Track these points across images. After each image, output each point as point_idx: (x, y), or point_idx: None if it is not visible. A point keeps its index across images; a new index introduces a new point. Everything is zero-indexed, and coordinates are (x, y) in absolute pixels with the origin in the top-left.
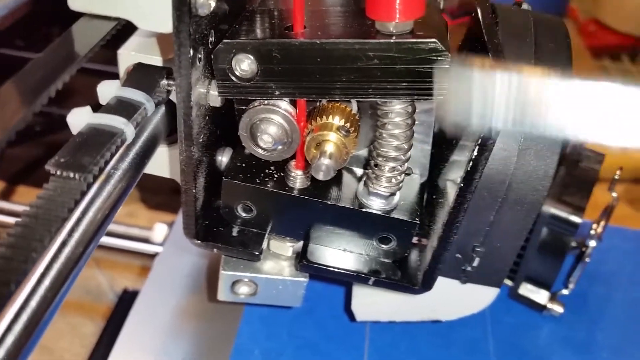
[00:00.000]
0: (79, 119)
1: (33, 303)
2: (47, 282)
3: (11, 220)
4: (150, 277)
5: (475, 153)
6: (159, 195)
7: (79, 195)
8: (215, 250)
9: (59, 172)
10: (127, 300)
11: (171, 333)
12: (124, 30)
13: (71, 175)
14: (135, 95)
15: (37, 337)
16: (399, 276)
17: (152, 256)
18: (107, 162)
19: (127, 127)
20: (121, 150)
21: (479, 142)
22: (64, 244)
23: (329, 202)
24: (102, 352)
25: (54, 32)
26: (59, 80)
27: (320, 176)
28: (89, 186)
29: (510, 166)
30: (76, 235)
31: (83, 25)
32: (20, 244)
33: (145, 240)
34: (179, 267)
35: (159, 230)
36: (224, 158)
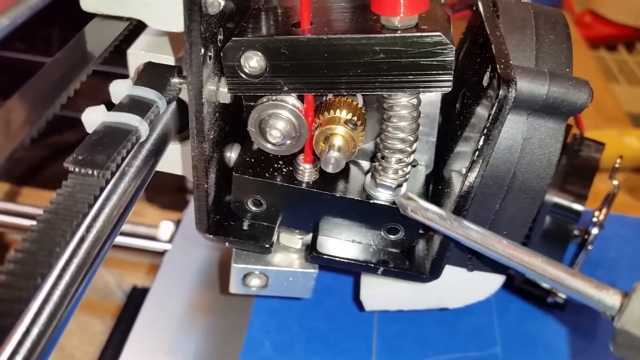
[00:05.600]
0: (93, 117)
1: (55, 297)
2: (67, 277)
3: (17, 221)
4: (160, 273)
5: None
6: (166, 194)
7: (98, 191)
8: (226, 243)
9: (77, 170)
10: (136, 297)
11: (183, 327)
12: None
13: (89, 172)
14: (147, 93)
15: (58, 333)
16: (407, 265)
17: (158, 254)
18: (122, 159)
19: (141, 125)
20: (134, 148)
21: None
22: (82, 240)
23: (337, 195)
24: (113, 348)
25: (54, 34)
26: (76, 81)
27: (330, 169)
28: (107, 182)
29: (515, 155)
30: (94, 231)
31: (95, 26)
32: (43, 238)
33: (152, 238)
34: (189, 263)
35: (165, 228)
36: (232, 154)
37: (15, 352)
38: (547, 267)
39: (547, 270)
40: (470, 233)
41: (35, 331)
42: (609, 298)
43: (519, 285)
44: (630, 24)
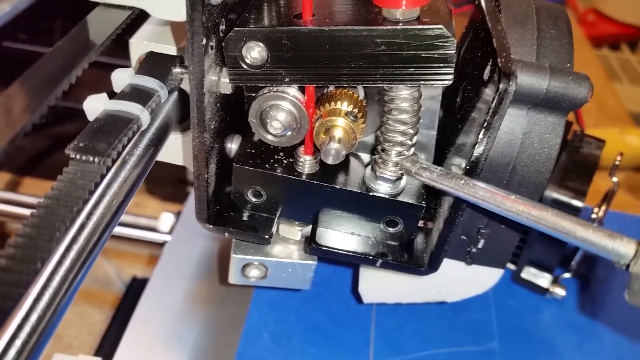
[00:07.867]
0: (95, 105)
1: (54, 282)
2: (67, 263)
3: (18, 210)
4: (160, 263)
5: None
6: (166, 186)
7: (99, 178)
8: (226, 234)
9: (78, 156)
10: (136, 287)
11: (181, 318)
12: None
13: (90, 159)
14: (149, 82)
15: (58, 318)
16: (405, 258)
17: (158, 245)
18: (123, 147)
19: (142, 114)
20: (136, 136)
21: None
22: (82, 226)
23: (337, 187)
24: (112, 338)
25: (56, 25)
26: (78, 69)
27: (330, 160)
28: (108, 170)
29: (514, 149)
30: (94, 218)
31: (98, 15)
32: (44, 223)
33: (152, 230)
34: (189, 254)
35: (166, 219)
36: (233, 145)
37: (14, 336)
38: (558, 220)
39: (559, 224)
40: (477, 191)
41: (34, 316)
42: (623, 246)
43: (517, 281)
44: (633, 23)
